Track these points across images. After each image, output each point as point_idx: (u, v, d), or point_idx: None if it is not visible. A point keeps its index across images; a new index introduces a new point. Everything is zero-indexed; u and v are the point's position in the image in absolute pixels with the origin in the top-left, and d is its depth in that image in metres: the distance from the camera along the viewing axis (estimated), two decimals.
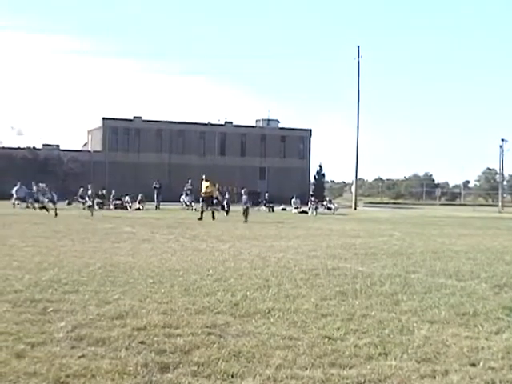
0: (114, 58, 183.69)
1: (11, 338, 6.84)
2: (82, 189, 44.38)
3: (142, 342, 6.85)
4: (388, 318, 8.50)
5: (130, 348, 6.63)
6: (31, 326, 7.47)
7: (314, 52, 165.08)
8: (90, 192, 39.45)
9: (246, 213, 33.65)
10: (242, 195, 36.56)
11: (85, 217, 33.89)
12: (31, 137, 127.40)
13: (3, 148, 76.71)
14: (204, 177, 36.21)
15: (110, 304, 8.91)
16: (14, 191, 43.72)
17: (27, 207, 41.98)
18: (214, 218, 33.85)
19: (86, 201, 40.79)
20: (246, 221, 32.52)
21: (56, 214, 33.63)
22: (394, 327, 7.92)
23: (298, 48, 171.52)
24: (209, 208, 35.14)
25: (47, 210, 34.96)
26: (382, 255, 16.80)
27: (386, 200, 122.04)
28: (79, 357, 6.25)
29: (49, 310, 8.38)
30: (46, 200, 36.78)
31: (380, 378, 5.86)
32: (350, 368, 6.15)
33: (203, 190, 35.78)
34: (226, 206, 43.25)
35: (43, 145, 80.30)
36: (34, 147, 76.86)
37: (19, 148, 75.62)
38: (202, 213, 33.88)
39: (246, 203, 34.78)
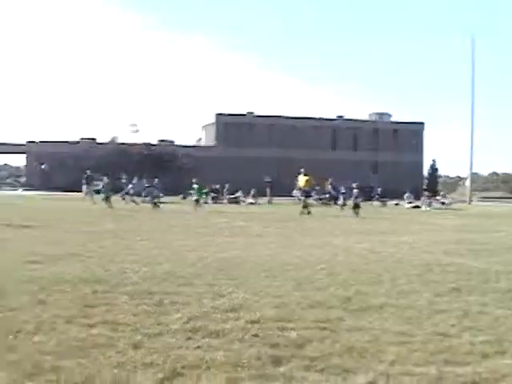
0: (227, 53, 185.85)
1: (129, 329, 7.04)
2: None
3: (255, 335, 6.92)
4: (504, 315, 8.26)
5: (244, 341, 6.70)
6: (148, 317, 7.66)
7: (422, 41, 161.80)
8: (195, 186, 39.42)
9: (357, 207, 33.43)
10: (352, 190, 36.24)
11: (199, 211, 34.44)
12: (147, 133, 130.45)
13: (120, 144, 78.79)
14: (302, 171, 35.96)
15: (224, 297, 9.03)
16: (130, 186, 44.76)
17: (133, 201, 42.21)
18: (308, 212, 33.34)
19: (191, 195, 40.88)
20: (357, 215, 32.31)
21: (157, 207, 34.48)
22: (511, 325, 7.71)
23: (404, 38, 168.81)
24: (303, 201, 34.57)
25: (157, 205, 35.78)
26: (497, 251, 16.37)
27: (501, 194, 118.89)
28: (194, 348, 6.37)
29: (165, 301, 8.56)
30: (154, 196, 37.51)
31: (496, 377, 5.71)
32: (464, 366, 6.02)
33: (302, 184, 35.54)
34: (341, 200, 42.84)
35: (158, 140, 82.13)
36: (149, 143, 78.58)
37: (135, 144, 77.43)
38: (305, 207, 33.41)
39: (356, 197, 34.57)
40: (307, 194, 35.41)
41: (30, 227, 20.25)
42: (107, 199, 35.53)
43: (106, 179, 37.78)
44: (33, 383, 5.27)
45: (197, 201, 37.63)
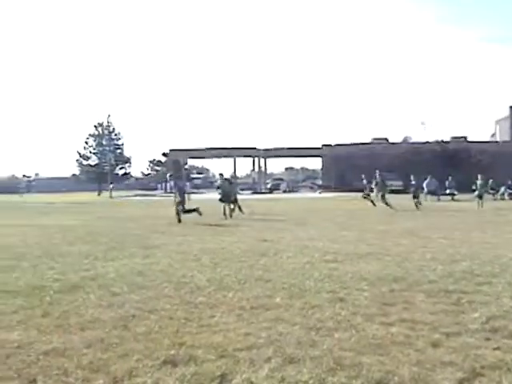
0: None
1: (427, 328, 7.08)
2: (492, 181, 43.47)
3: None
4: None
5: None
6: (445, 316, 7.64)
7: None
8: (479, 182, 37.65)
9: None
10: None
11: (504, 209, 33.37)
12: (439, 130, 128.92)
13: (413, 143, 78.75)
14: None
15: None
16: (424, 185, 44.57)
17: (438, 200, 43.22)
18: None
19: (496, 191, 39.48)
20: None
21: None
22: None
23: None
24: None
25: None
26: None
27: None
28: (494, 349, 6.26)
29: (462, 300, 8.47)
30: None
31: None
32: None
33: None
34: None
35: (451, 137, 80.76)
36: (442, 140, 77.56)
37: (428, 142, 76.85)
38: None
39: None
40: None
41: (312, 225, 20.95)
42: (382, 197, 35.07)
43: (377, 177, 36.71)
44: (334, 378, 5.50)
45: (480, 197, 36.32)
